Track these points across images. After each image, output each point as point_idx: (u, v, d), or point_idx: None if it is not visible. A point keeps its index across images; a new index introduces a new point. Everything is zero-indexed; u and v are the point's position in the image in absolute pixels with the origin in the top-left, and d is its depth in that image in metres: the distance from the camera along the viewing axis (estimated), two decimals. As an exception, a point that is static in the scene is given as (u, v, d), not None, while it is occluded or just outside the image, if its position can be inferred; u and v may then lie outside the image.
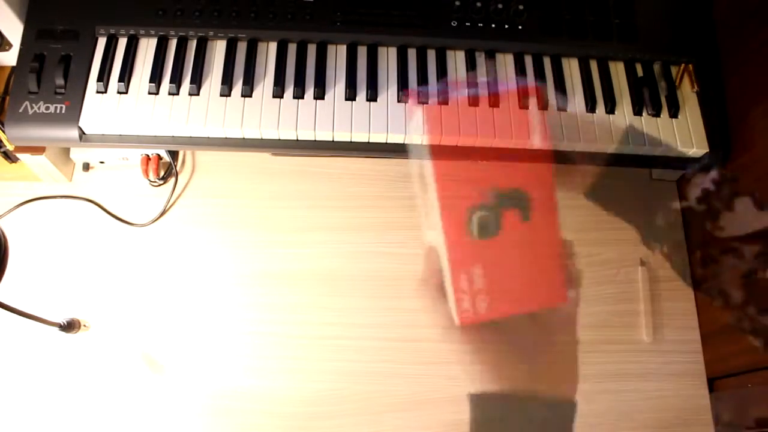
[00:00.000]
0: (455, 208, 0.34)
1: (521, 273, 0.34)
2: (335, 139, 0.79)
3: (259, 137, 0.79)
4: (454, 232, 0.35)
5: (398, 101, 0.80)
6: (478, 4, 0.84)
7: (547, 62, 0.84)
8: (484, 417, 0.36)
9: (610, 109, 0.82)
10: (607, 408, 0.83)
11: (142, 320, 0.84)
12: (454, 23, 0.83)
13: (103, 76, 0.78)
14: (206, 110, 0.78)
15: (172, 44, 0.81)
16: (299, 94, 0.80)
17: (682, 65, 0.84)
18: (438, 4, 0.84)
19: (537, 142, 0.44)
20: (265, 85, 0.80)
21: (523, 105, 0.78)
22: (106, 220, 0.90)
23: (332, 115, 0.79)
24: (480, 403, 0.36)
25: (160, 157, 0.92)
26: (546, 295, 0.34)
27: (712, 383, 0.85)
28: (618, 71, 0.85)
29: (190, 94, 0.79)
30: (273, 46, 0.82)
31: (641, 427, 0.82)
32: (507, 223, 0.34)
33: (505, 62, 0.84)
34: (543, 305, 0.34)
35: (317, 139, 0.79)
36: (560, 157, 0.82)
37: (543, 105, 0.79)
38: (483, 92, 0.78)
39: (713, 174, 0.83)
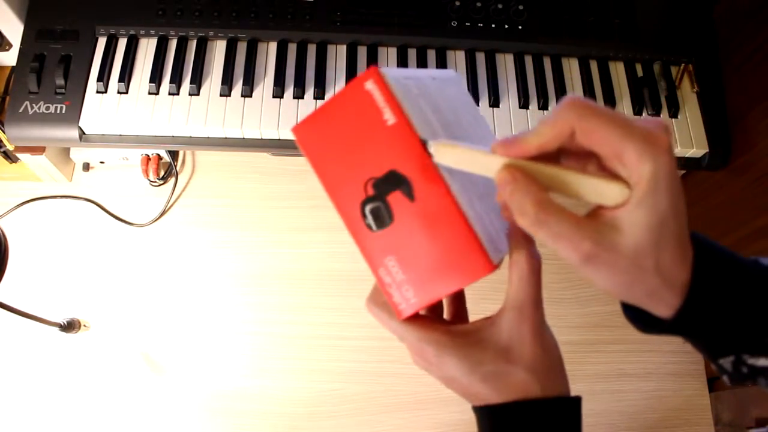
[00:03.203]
0: (349, 209, 0.35)
1: (432, 251, 0.33)
2: (335, 139, 0.79)
3: (259, 137, 0.79)
4: (358, 231, 0.35)
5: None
6: (478, 4, 0.84)
7: (547, 62, 0.84)
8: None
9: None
10: (607, 408, 0.83)
11: (141, 320, 0.84)
12: (454, 23, 0.83)
13: (103, 76, 0.78)
14: (206, 110, 0.78)
15: (173, 44, 0.81)
16: (299, 94, 0.80)
17: (682, 65, 0.85)
18: (438, 4, 0.84)
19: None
20: (265, 85, 0.80)
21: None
22: (106, 220, 0.90)
23: (332, 115, 0.79)
24: (484, 414, 0.36)
25: (160, 157, 0.92)
26: (468, 266, 0.32)
27: (712, 383, 0.85)
28: (618, 71, 0.85)
29: (190, 94, 0.79)
30: (273, 46, 0.82)
31: (641, 426, 0.82)
32: (396, 208, 0.33)
33: (506, 62, 0.84)
34: (470, 278, 0.33)
35: (317, 139, 0.79)
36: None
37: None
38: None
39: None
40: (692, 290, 0.32)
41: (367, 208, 0.34)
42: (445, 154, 0.32)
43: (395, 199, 0.33)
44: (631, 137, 0.29)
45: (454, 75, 0.41)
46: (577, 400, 0.36)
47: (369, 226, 0.34)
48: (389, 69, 0.33)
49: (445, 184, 0.32)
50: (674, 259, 0.31)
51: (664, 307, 0.33)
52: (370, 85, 0.33)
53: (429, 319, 0.37)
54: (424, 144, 0.32)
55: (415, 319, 0.36)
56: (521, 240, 0.34)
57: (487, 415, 0.36)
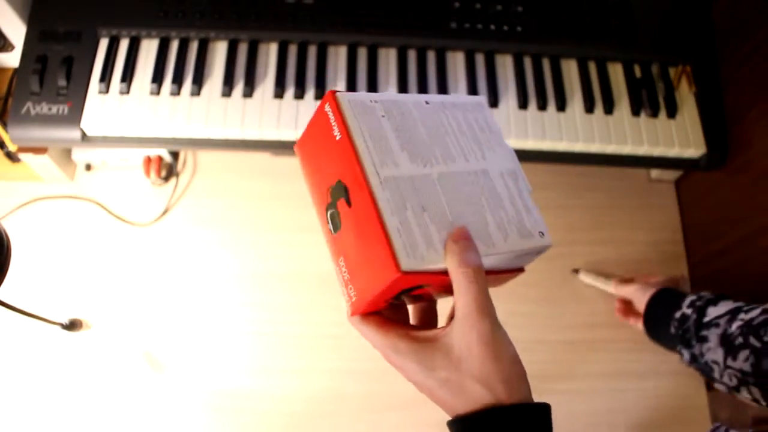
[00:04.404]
0: (321, 213, 0.39)
1: (360, 257, 0.36)
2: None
3: (260, 137, 0.80)
4: (326, 233, 0.39)
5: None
6: (478, 6, 0.84)
7: (545, 63, 0.84)
8: None
9: (609, 109, 0.82)
10: (605, 406, 0.83)
11: (143, 320, 0.85)
12: (453, 25, 0.84)
13: (105, 77, 0.79)
14: (207, 110, 0.79)
15: (174, 45, 0.82)
16: (300, 95, 0.80)
17: (680, 66, 0.85)
18: (437, 5, 0.84)
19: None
20: (265, 85, 0.81)
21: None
22: (107, 220, 0.91)
23: (332, 116, 0.80)
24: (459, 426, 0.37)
25: (161, 158, 0.93)
26: (380, 271, 0.35)
27: (710, 382, 0.86)
28: (616, 72, 0.85)
29: (192, 95, 0.80)
30: (274, 47, 0.83)
31: (639, 425, 0.83)
32: (342, 213, 0.37)
33: (505, 63, 0.84)
34: (381, 282, 0.35)
35: (318, 139, 0.80)
36: (559, 157, 0.83)
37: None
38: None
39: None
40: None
41: (328, 213, 0.38)
42: None
43: (342, 205, 0.37)
44: None
45: (475, 101, 0.44)
46: (542, 407, 0.36)
47: (330, 230, 0.38)
48: (353, 93, 0.38)
49: (371, 193, 0.35)
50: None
51: None
52: (327, 107, 0.38)
53: (391, 322, 0.39)
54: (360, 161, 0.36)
55: (378, 321, 0.39)
56: (455, 249, 0.36)
57: (451, 427, 0.37)
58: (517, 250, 0.39)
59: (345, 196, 0.37)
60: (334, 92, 0.38)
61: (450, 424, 0.37)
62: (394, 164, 0.37)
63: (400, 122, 0.39)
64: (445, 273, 0.36)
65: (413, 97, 0.41)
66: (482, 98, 0.45)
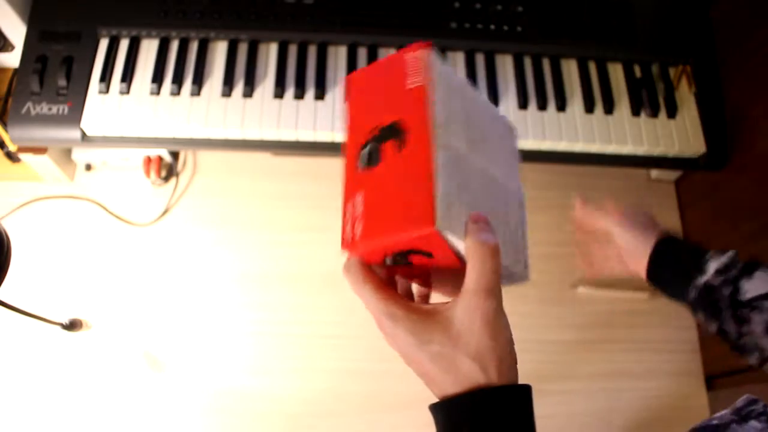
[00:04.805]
0: (352, 148, 0.39)
1: (392, 198, 0.36)
2: (335, 140, 0.80)
3: (260, 137, 0.80)
4: (348, 168, 0.39)
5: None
6: (478, 6, 0.84)
7: (546, 63, 0.84)
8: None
9: (609, 109, 0.82)
10: (605, 406, 0.83)
11: (143, 319, 0.85)
12: (453, 25, 0.84)
13: (105, 77, 0.79)
14: (207, 110, 0.79)
15: (174, 45, 0.82)
16: (299, 95, 0.80)
17: (680, 66, 0.85)
18: (437, 5, 0.84)
19: None
20: (265, 85, 0.81)
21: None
22: (108, 220, 0.91)
23: (332, 116, 0.80)
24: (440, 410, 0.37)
25: (161, 158, 0.93)
26: (412, 217, 0.35)
27: (710, 381, 0.86)
28: (616, 72, 0.85)
29: (192, 95, 0.80)
30: (274, 47, 0.83)
31: (639, 425, 0.83)
32: (385, 154, 0.37)
33: (505, 63, 0.84)
34: (409, 226, 0.35)
35: (317, 139, 0.80)
36: (559, 157, 0.83)
37: None
38: None
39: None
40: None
41: (367, 147, 0.38)
42: None
43: (388, 146, 0.37)
44: None
45: (510, 126, 0.48)
46: (526, 388, 0.36)
47: (359, 165, 0.39)
48: (444, 61, 0.40)
49: (432, 147, 0.36)
50: None
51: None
52: (411, 56, 0.39)
53: (394, 292, 0.39)
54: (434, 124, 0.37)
55: (378, 283, 0.38)
56: (475, 228, 0.36)
57: (436, 411, 0.37)
58: (505, 269, 0.39)
59: (398, 138, 0.37)
60: (430, 44, 0.39)
61: (435, 407, 0.37)
62: (456, 137, 0.38)
63: (470, 107, 0.41)
64: (456, 254, 0.37)
65: (480, 93, 0.44)
66: (515, 127, 0.48)
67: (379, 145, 0.38)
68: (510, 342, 0.36)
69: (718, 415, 0.37)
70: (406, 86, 0.38)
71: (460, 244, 0.36)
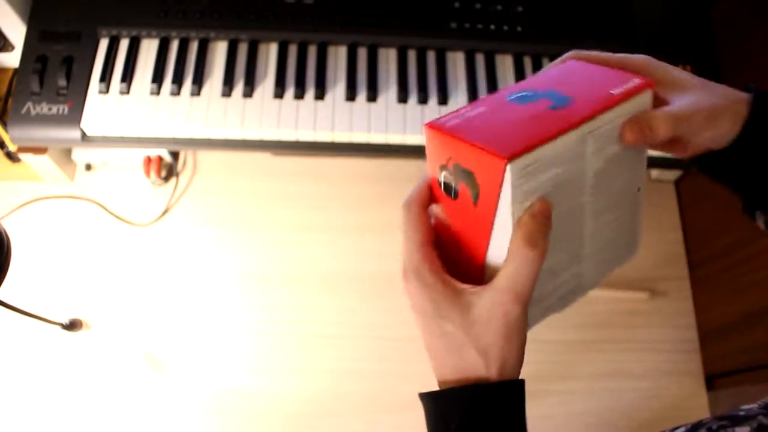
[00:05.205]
0: (433, 161, 0.37)
1: (449, 243, 0.37)
2: (335, 140, 0.80)
3: (260, 137, 0.80)
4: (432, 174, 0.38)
5: (398, 102, 0.81)
6: (478, 6, 0.84)
7: (546, 63, 0.84)
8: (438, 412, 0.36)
9: (609, 109, 0.82)
10: (605, 406, 0.83)
11: (143, 320, 0.85)
12: (453, 25, 0.84)
13: (105, 77, 0.79)
14: (207, 110, 0.79)
15: (174, 45, 0.82)
16: (299, 95, 0.80)
17: (680, 66, 0.85)
18: (437, 5, 0.84)
19: None
20: (265, 85, 0.81)
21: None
22: (108, 220, 0.91)
23: (332, 116, 0.80)
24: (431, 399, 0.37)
25: (161, 158, 0.93)
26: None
27: (710, 381, 0.86)
28: (616, 72, 0.85)
29: (192, 95, 0.80)
30: (274, 47, 0.83)
31: (639, 425, 0.83)
32: (461, 195, 0.36)
33: (505, 63, 0.84)
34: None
35: (317, 139, 0.80)
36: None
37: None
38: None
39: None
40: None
41: (443, 173, 0.37)
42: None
43: (464, 189, 0.36)
44: None
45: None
46: (518, 384, 0.36)
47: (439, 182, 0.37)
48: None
49: (490, 229, 0.35)
50: None
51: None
52: (504, 165, 0.33)
53: (435, 254, 0.37)
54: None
55: (426, 242, 0.37)
56: (529, 225, 0.34)
57: (426, 399, 0.37)
58: (532, 314, 0.38)
59: (473, 190, 0.35)
60: (507, 159, 0.32)
61: (425, 396, 0.37)
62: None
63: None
64: (489, 230, 0.36)
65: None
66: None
67: (457, 184, 0.37)
68: (522, 346, 0.36)
69: (745, 407, 0.36)
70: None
71: (506, 220, 0.34)
